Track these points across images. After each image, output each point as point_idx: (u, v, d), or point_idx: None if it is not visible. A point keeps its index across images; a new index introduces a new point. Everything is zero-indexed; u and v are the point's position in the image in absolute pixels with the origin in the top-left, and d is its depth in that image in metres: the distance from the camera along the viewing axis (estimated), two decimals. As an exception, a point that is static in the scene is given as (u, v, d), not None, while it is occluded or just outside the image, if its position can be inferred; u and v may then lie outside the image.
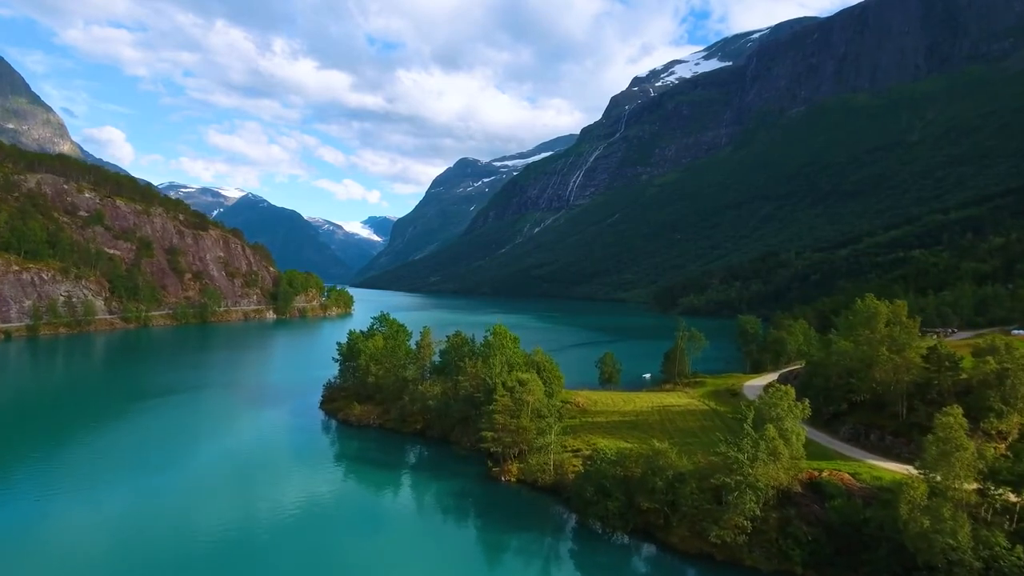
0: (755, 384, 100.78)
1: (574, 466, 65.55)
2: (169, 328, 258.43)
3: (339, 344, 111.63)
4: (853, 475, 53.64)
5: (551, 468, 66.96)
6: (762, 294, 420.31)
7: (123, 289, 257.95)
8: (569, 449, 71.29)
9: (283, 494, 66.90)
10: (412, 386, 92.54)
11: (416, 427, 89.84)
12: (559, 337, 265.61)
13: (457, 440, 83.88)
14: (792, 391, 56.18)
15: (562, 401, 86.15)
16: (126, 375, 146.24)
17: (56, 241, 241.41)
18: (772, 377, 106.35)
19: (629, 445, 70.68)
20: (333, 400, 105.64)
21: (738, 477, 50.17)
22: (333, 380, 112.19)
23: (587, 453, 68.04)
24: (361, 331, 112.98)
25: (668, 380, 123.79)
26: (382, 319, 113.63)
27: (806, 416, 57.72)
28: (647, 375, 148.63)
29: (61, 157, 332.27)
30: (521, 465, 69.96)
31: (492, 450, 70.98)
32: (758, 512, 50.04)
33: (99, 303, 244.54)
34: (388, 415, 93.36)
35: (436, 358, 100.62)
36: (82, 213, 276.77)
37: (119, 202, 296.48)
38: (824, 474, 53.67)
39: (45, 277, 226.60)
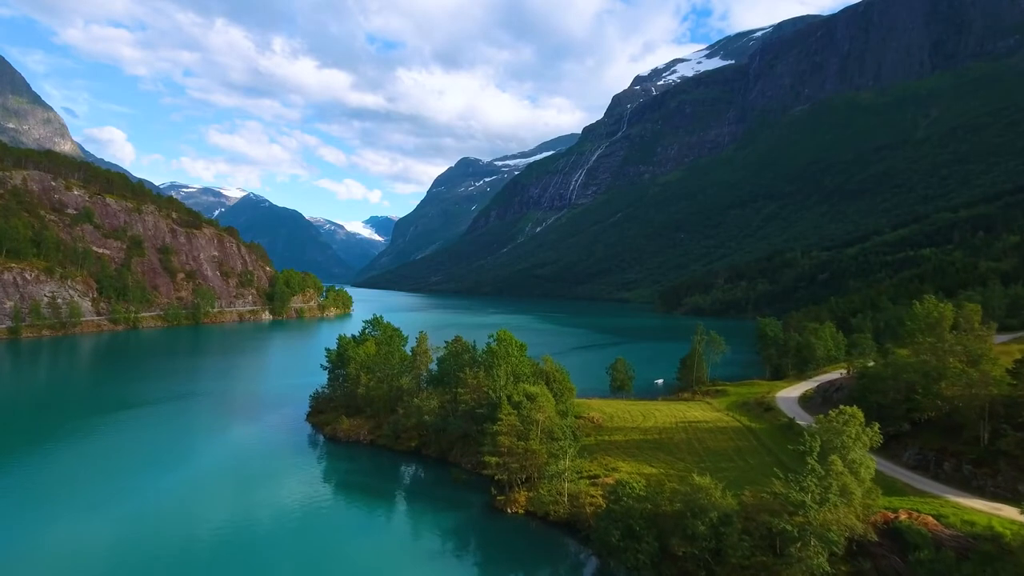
0: (788, 396, 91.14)
1: (592, 497, 56.05)
2: (159, 330, 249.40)
3: (327, 350, 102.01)
4: (937, 517, 44.23)
5: (565, 499, 57.28)
6: (769, 294, 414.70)
7: (111, 289, 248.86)
8: (585, 475, 61.69)
9: (255, 528, 57.69)
10: (407, 398, 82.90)
11: (411, 444, 79.85)
12: (562, 339, 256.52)
13: (457, 460, 74.22)
14: (860, 414, 46.87)
15: (575, 416, 76.71)
16: (100, 382, 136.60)
17: (41, 240, 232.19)
18: (805, 386, 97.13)
19: (654, 470, 61.47)
20: (320, 412, 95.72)
21: (801, 519, 40.87)
22: (321, 389, 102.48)
23: (607, 480, 58.66)
24: (353, 335, 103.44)
25: (685, 388, 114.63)
26: (375, 322, 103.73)
27: (877, 444, 48.37)
28: (659, 381, 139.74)
29: (49, 154, 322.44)
30: (530, 494, 60.13)
31: (497, 477, 61.34)
32: (827, 568, 40.60)
33: (86, 304, 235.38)
34: (380, 430, 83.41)
35: (433, 366, 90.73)
36: (70, 211, 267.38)
37: (109, 200, 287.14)
38: (902, 516, 44.22)
39: (28, 277, 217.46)
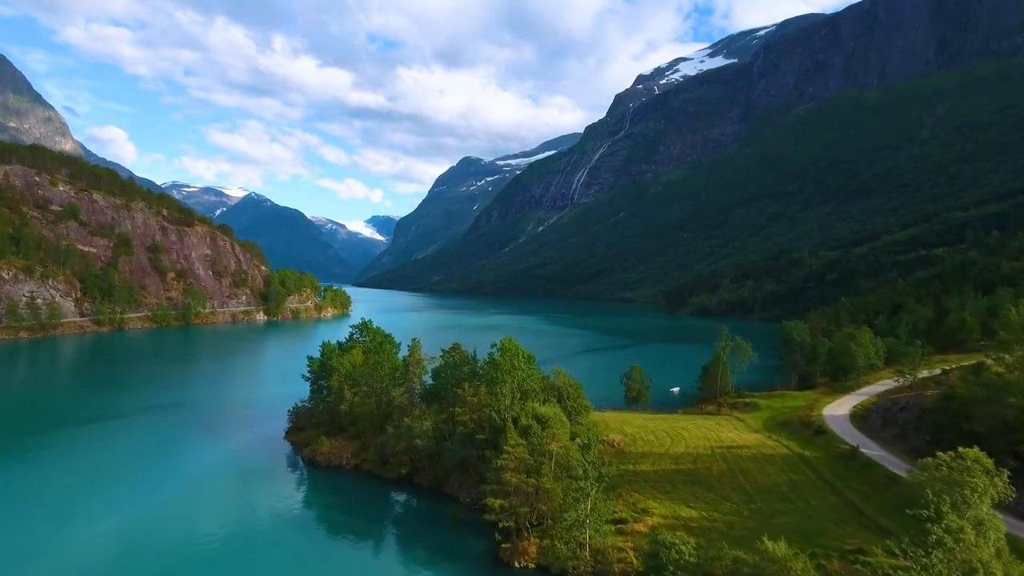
0: (835, 413, 78.96)
1: (620, 552, 45.11)
2: (146, 331, 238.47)
3: (309, 359, 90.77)
4: (1094, 599, 33.57)
5: (587, 553, 46.02)
6: (776, 294, 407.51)
7: (96, 289, 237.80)
8: (608, 517, 50.03)
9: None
10: (396, 416, 71.60)
11: (401, 471, 68.22)
12: (566, 342, 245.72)
13: (454, 492, 62.85)
14: (987, 459, 36.12)
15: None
16: (66, 391, 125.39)
17: (21, 237, 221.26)
18: (851, 401, 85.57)
19: (694, 512, 50.56)
20: (301, 429, 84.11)
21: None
22: (302, 403, 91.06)
23: (637, 527, 47.84)
24: (338, 342, 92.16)
25: (708, 399, 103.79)
26: (363, 327, 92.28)
27: (1009, 499, 37.43)
28: (675, 389, 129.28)
29: (34, 148, 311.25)
30: (543, 543, 48.77)
31: (502, 525, 50.11)
32: None
33: (68, 304, 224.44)
34: (365, 453, 72.01)
35: (428, 378, 79.31)
36: (55, 207, 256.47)
37: (97, 196, 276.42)
38: (1051, 600, 33.58)
39: (6, 276, 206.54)
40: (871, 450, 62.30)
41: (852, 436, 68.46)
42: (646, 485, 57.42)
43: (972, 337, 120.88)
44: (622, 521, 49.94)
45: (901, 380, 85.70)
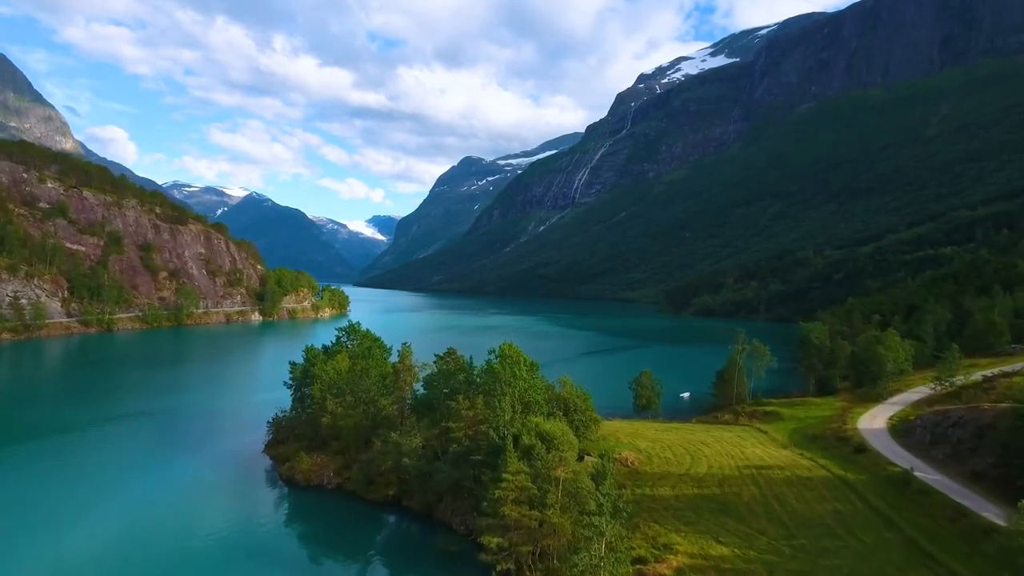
0: (870, 427, 71.16)
1: (643, 601, 37.95)
2: (136, 332, 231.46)
3: (292, 364, 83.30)
4: None
5: (602, 603, 38.75)
6: (782, 294, 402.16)
7: (85, 289, 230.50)
8: (624, 554, 42.75)
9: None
10: (384, 429, 64.11)
11: (387, 493, 60.56)
12: (569, 343, 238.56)
13: (446, 518, 55.27)
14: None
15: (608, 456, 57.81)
16: (37, 396, 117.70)
17: (5, 235, 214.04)
18: (885, 411, 77.69)
19: (726, 551, 43.09)
20: (280, 442, 76.46)
21: None
22: (282, 412, 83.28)
23: (660, 570, 40.61)
24: (324, 346, 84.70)
25: (723, 406, 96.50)
26: (351, 330, 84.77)
27: None
28: (685, 395, 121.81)
29: (22, 143, 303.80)
30: (549, 585, 41.72)
31: (500, 568, 42.54)
32: None
33: (54, 304, 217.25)
34: (349, 472, 64.42)
35: (419, 386, 71.78)
36: (43, 205, 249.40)
37: (86, 193, 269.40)
38: None
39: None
40: (923, 473, 54.70)
41: (897, 455, 60.74)
42: (667, 514, 49.83)
43: (1002, 340, 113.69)
44: (641, 560, 42.43)
45: (939, 388, 78.64)
